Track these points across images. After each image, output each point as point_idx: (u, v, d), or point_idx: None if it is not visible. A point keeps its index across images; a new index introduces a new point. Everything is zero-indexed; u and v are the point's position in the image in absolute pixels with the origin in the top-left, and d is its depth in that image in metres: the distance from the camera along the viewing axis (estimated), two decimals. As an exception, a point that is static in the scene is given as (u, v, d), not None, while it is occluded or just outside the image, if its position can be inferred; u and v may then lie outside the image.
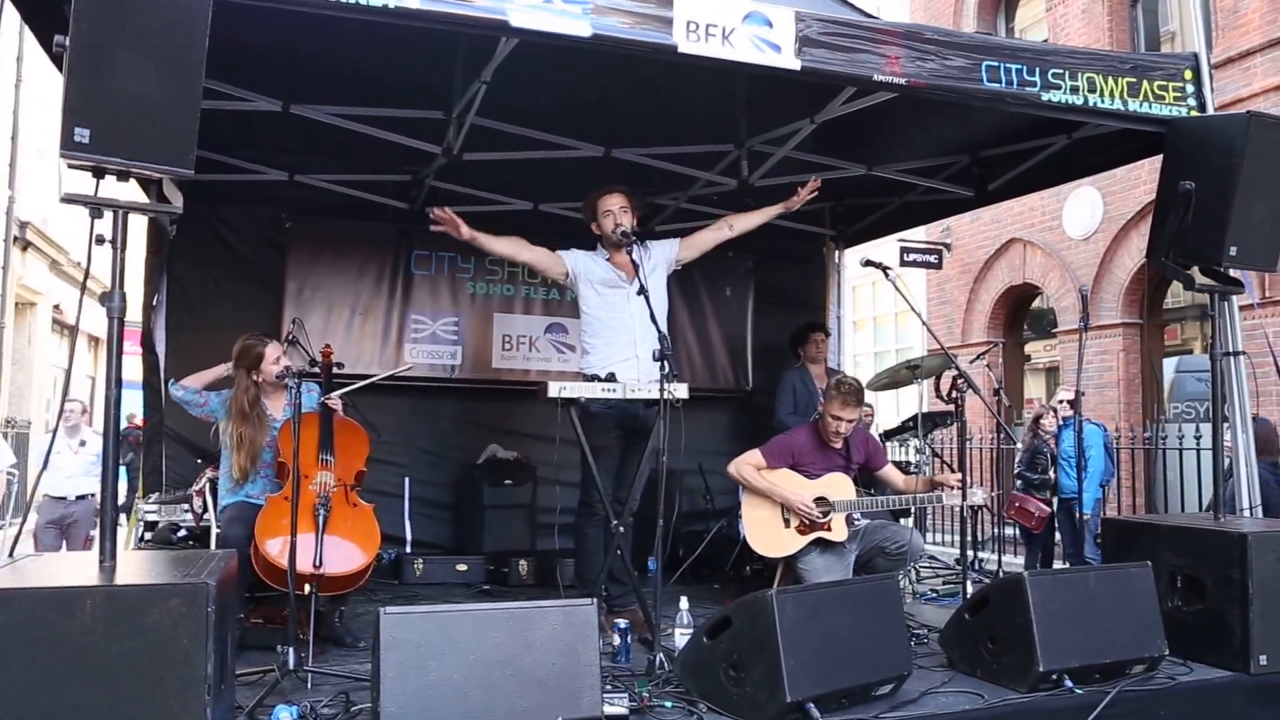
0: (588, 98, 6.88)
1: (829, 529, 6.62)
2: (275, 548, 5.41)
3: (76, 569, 3.99)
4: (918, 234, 15.38)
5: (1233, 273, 6.34)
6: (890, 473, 7.12)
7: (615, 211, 6.42)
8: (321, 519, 5.23)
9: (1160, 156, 6.33)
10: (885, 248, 12.22)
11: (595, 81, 6.43)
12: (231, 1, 4.24)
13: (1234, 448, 6.52)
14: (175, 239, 7.51)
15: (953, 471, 7.41)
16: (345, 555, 5.55)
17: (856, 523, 6.81)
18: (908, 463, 9.31)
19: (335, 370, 6.19)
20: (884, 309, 21.03)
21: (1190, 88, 6.35)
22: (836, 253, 10.68)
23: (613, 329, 6.42)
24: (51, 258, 21.08)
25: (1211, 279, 6.33)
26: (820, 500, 6.64)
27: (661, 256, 6.58)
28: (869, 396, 9.35)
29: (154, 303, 8.12)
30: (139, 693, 3.40)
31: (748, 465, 6.79)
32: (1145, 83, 6.20)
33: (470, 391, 9.41)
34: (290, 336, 6.72)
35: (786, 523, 6.66)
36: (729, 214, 6.97)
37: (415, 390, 9.09)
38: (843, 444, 6.89)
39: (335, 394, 6.02)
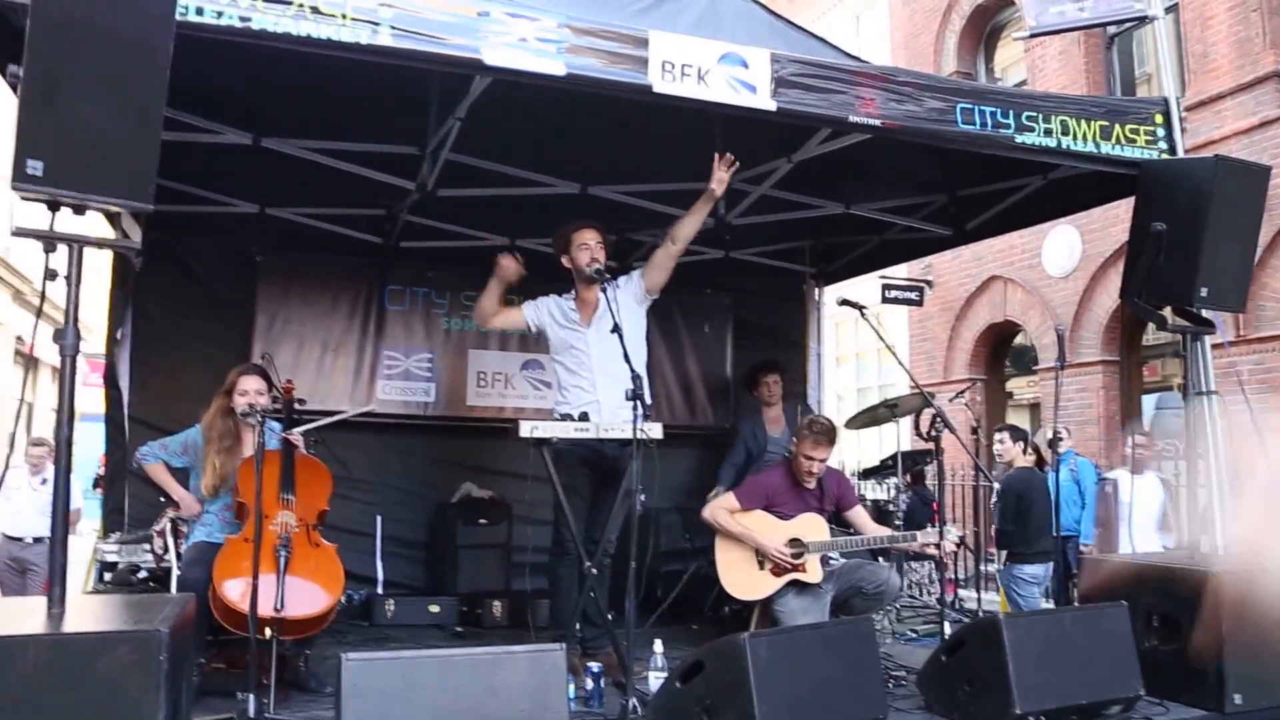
0: (563, 135, 6.85)
1: (804, 570, 6.57)
2: (233, 590, 5.31)
3: (23, 615, 3.91)
4: (899, 271, 15.43)
5: (1204, 313, 6.37)
6: (858, 515, 7.09)
7: (591, 246, 6.40)
8: (283, 560, 5.15)
9: (1133, 198, 6.37)
10: (867, 284, 12.23)
11: (571, 119, 6.40)
12: (200, 36, 4.21)
13: (1208, 486, 6.52)
14: (142, 271, 7.48)
15: (934, 512, 7.36)
16: (308, 597, 5.45)
17: (832, 563, 6.78)
18: (887, 502, 9.26)
19: (297, 406, 6.13)
20: (866, 345, 21.03)
21: (1161, 131, 6.48)
22: (816, 289, 10.66)
23: (583, 368, 6.38)
24: (15, 287, 20.93)
25: (1184, 319, 6.41)
26: (794, 541, 6.61)
27: (630, 294, 6.51)
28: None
29: (118, 336, 7.98)
30: (85, 746, 3.32)
31: (721, 510, 6.76)
32: (1117, 126, 6.32)
33: (444, 429, 9.33)
34: (266, 373, 6.64)
35: (761, 564, 6.63)
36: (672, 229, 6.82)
37: (388, 427, 9.03)
38: (816, 484, 6.86)
39: (296, 430, 5.95)
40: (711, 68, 5.25)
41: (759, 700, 4.32)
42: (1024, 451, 9.40)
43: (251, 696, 4.67)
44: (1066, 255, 15.16)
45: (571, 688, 4.39)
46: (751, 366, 9.08)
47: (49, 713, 3.30)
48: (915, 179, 8.09)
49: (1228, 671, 5.34)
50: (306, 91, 6.12)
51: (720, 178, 6.33)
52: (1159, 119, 6.46)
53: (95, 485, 10.71)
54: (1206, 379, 6.53)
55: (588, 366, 6.33)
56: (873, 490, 11.94)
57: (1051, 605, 9.36)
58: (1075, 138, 6.12)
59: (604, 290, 6.16)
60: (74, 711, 3.31)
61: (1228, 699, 5.33)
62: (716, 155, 6.31)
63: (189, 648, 4.26)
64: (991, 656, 5.04)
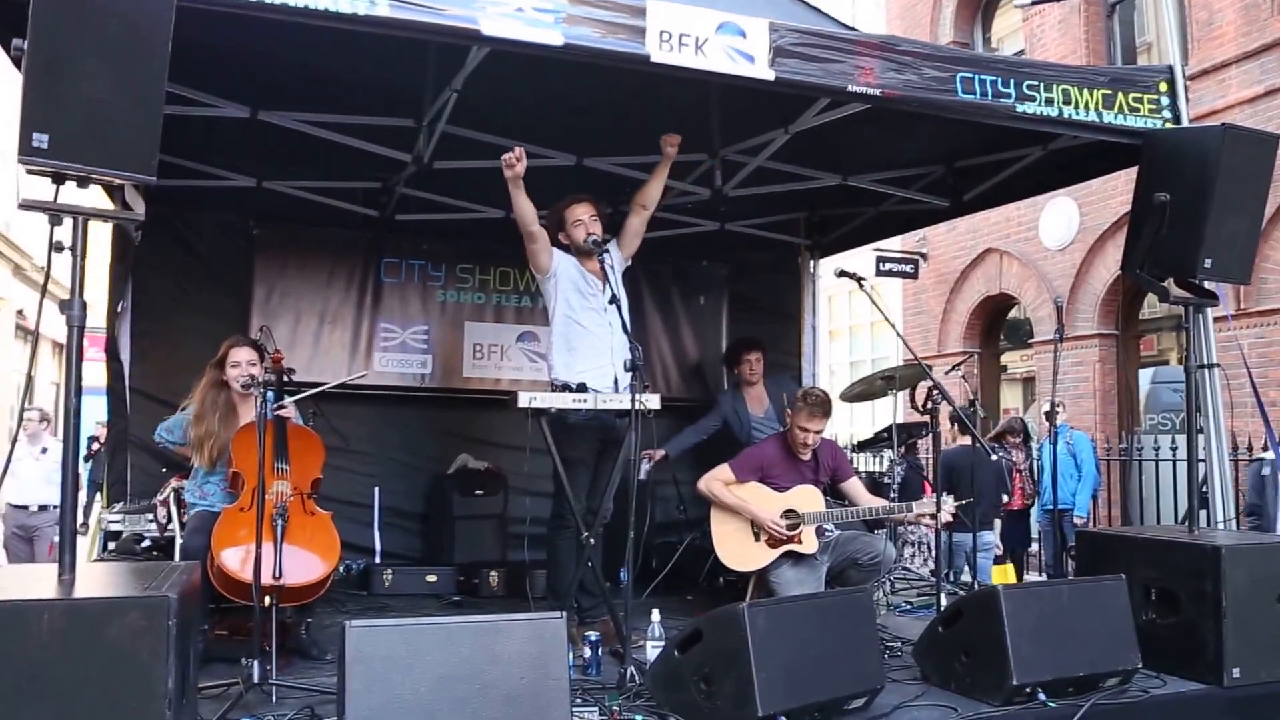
0: (560, 106, 6.86)
1: (799, 541, 6.63)
2: (232, 559, 5.38)
3: (34, 582, 3.95)
4: (894, 244, 15.45)
5: (1207, 285, 6.37)
6: (853, 487, 7.13)
7: (586, 221, 6.44)
8: (280, 529, 5.20)
9: (1136, 168, 6.36)
10: (861, 257, 12.24)
11: (567, 90, 6.41)
12: (198, 8, 4.23)
13: (1208, 460, 6.55)
14: (141, 245, 7.51)
15: (929, 485, 7.42)
16: (305, 565, 5.52)
17: (827, 534, 6.83)
18: (882, 474, 9.32)
19: (288, 377, 6.17)
20: (860, 318, 21.06)
21: (1165, 100, 6.41)
22: (812, 262, 10.67)
23: (589, 335, 6.41)
24: (15, 262, 20.91)
25: (1186, 291, 6.37)
26: (789, 513, 6.66)
27: (617, 262, 6.57)
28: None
29: (118, 309, 8.04)
30: (98, 709, 3.37)
31: (717, 481, 6.81)
32: (1120, 95, 6.25)
33: (441, 401, 9.38)
34: (259, 344, 6.68)
35: (756, 536, 6.68)
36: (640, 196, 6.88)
37: (385, 399, 9.07)
38: (811, 455, 6.91)
39: (288, 401, 6.00)
40: (709, 37, 5.24)
41: (757, 669, 4.36)
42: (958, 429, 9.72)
43: (255, 663, 4.73)
44: (1064, 227, 15.17)
45: (570, 656, 4.43)
46: (733, 344, 9.13)
47: (63, 677, 3.34)
48: (913, 150, 8.10)
49: (1227, 646, 5.37)
50: (304, 64, 6.13)
51: (672, 141, 6.57)
52: (1163, 87, 6.40)
53: (86, 458, 10.82)
54: (1208, 351, 6.55)
55: (603, 335, 6.37)
56: (866, 463, 12.00)
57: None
58: (1077, 107, 6.08)
59: (602, 262, 6.21)
60: (87, 675, 3.36)
61: (1226, 673, 5.36)
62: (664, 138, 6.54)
63: (195, 614, 4.30)
64: (989, 628, 5.06)
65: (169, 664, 3.44)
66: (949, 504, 6.70)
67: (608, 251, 6.25)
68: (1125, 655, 5.33)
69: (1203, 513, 6.51)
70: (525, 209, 6.31)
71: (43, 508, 10.61)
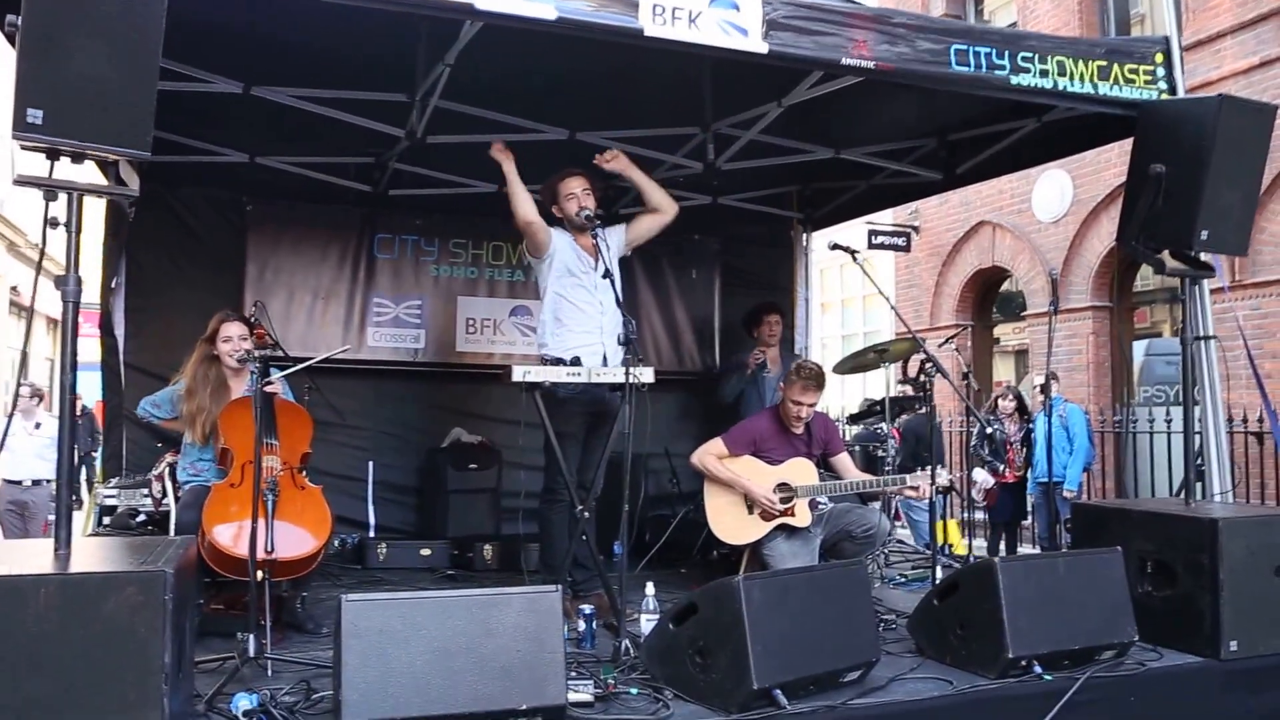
0: (552, 81, 6.84)
1: (792, 515, 6.64)
2: (224, 535, 5.39)
3: (30, 557, 3.95)
4: (885, 217, 15.48)
5: (1204, 257, 6.37)
6: (843, 461, 7.13)
7: (579, 194, 6.44)
8: (270, 503, 5.19)
9: (1131, 140, 6.35)
10: (853, 230, 12.27)
11: (560, 64, 6.39)
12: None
13: (1204, 433, 6.56)
14: (134, 221, 7.52)
15: (925, 457, 7.42)
16: (297, 539, 5.52)
17: (821, 507, 6.84)
18: (876, 446, 9.33)
19: (272, 351, 6.18)
20: (852, 292, 21.07)
21: (1161, 70, 6.39)
22: (804, 235, 10.68)
23: (579, 312, 6.41)
24: (9, 239, 20.87)
25: (1182, 263, 6.36)
26: (783, 486, 6.67)
27: (615, 243, 6.58)
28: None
29: (112, 285, 8.07)
30: (95, 683, 3.38)
31: (710, 455, 6.82)
32: (1116, 66, 6.23)
33: (434, 375, 9.41)
34: (253, 319, 6.68)
35: (749, 509, 6.68)
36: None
37: (378, 374, 9.10)
38: (804, 429, 6.91)
39: (275, 377, 6.01)
40: (703, 10, 5.22)
41: (753, 642, 4.37)
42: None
43: (251, 637, 4.73)
44: (1057, 200, 15.16)
45: (565, 630, 4.44)
46: (753, 307, 9.17)
47: (60, 651, 3.36)
48: (906, 123, 8.09)
49: (1224, 618, 5.37)
50: (297, 40, 6.10)
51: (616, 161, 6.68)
52: (1159, 58, 6.38)
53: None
54: (1205, 323, 6.53)
55: (595, 310, 6.38)
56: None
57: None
58: (1072, 78, 6.06)
59: (595, 236, 6.21)
60: (84, 650, 3.37)
61: (1223, 645, 5.37)
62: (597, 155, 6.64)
63: (191, 589, 4.31)
64: (985, 600, 5.07)
65: (165, 638, 3.45)
66: (943, 475, 6.72)
67: (600, 226, 6.24)
68: (1121, 628, 5.33)
69: (1198, 485, 6.52)
70: (523, 204, 6.38)
71: (36, 482, 10.66)
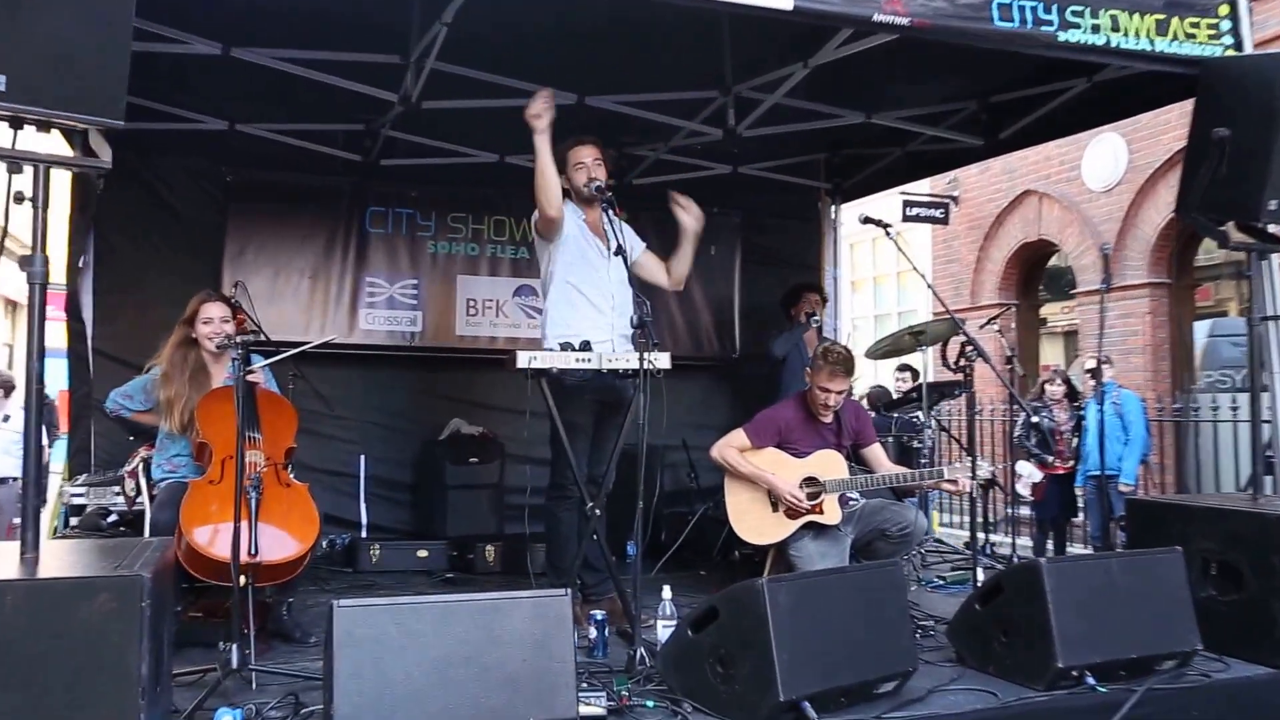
0: (559, 41, 6.81)
1: (820, 511, 6.63)
2: (203, 537, 5.37)
3: (-6, 561, 3.97)
4: (922, 187, 15.38)
5: (1272, 228, 6.30)
6: (874, 453, 7.11)
7: (589, 164, 6.41)
8: (254, 502, 5.19)
9: (1192, 101, 6.30)
10: (886, 202, 12.21)
11: (567, 22, 6.38)
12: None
13: (1274, 421, 6.50)
14: (103, 195, 7.51)
15: (962, 449, 7.42)
16: (281, 541, 5.50)
17: (852, 503, 6.83)
18: (911, 438, 9.34)
19: (254, 337, 6.17)
20: (885, 268, 21.00)
21: (1226, 24, 6.30)
22: (832, 207, 10.66)
23: (587, 292, 6.40)
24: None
25: (1248, 235, 6.29)
26: (810, 480, 6.66)
27: (632, 240, 6.60)
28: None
29: (79, 264, 8.06)
30: (67, 696, 3.38)
31: (731, 449, 6.80)
32: (1175, 20, 6.15)
33: (431, 361, 9.43)
34: (233, 301, 6.68)
35: (774, 506, 6.68)
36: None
37: (371, 360, 9.12)
38: (833, 418, 6.90)
39: (256, 365, 6.01)
40: (722, -38, 5.21)
41: (778, 650, 4.35)
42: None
43: (234, 647, 4.73)
44: (1110, 167, 15.06)
45: (574, 637, 4.44)
46: (792, 286, 9.24)
47: (28, 664, 3.35)
48: (944, 84, 8.06)
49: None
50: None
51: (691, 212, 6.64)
52: (1224, 10, 6.29)
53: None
54: (1274, 301, 6.47)
55: (605, 290, 6.38)
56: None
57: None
58: (1126, 34, 5.98)
59: (605, 210, 6.18)
60: (54, 660, 3.37)
61: (1296, 654, 5.32)
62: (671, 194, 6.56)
63: (168, 595, 4.32)
64: (1031, 605, 5.02)
65: (142, 649, 3.45)
66: (984, 468, 6.70)
67: (610, 202, 6.20)
68: (1183, 635, 5.27)
69: (1268, 478, 6.47)
70: (554, 190, 6.21)
71: (2, 481, 10.60)
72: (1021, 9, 5.78)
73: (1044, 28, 5.83)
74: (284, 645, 5.70)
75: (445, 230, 9.39)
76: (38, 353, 4.04)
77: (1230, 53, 6.27)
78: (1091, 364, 10.37)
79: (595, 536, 5.92)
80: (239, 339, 5.45)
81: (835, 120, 8.46)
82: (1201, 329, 14.48)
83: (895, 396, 11.32)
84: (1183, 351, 14.52)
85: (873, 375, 16.05)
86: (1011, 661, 5.14)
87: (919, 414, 9.12)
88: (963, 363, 6.79)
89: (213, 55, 6.90)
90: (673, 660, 4.98)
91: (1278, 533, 5.41)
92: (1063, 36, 5.88)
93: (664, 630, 5.42)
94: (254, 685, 4.75)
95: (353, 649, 3.87)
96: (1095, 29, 5.92)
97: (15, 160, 3.92)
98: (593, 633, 5.50)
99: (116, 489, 7.08)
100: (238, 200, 8.81)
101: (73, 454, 8.11)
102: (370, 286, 9.18)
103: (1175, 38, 6.14)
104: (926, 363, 8.86)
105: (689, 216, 6.60)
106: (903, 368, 12.94)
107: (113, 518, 7.05)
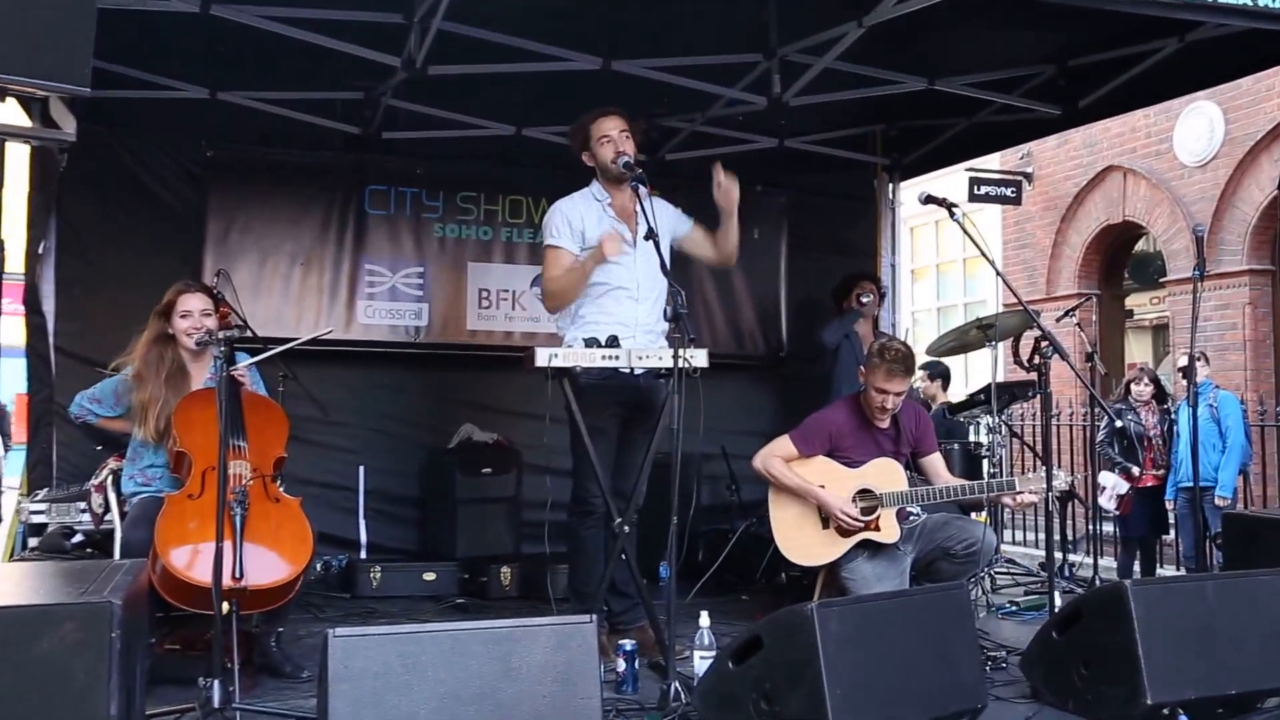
0: (582, -2, 6.83)
1: (876, 528, 6.59)
2: (181, 559, 5.34)
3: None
4: (991, 162, 15.34)
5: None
6: (937, 463, 7.09)
7: (615, 137, 6.38)
8: (239, 519, 5.18)
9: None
10: (951, 179, 12.18)
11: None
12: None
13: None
14: (66, 171, 7.51)
15: (1037, 458, 7.38)
16: (270, 563, 5.49)
17: (912, 518, 6.79)
18: (978, 444, 9.29)
19: (239, 333, 6.15)
20: (950, 254, 20.96)
21: (1338, -24, 6.26)
22: (890, 186, 10.64)
23: (614, 283, 6.38)
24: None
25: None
26: (864, 494, 6.62)
27: (666, 220, 6.53)
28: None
29: (39, 251, 7.99)
30: (26, 739, 3.38)
31: (775, 458, 6.76)
32: (1282, -32, 6.11)
33: (439, 359, 9.44)
34: (216, 292, 6.68)
35: (825, 523, 6.64)
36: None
37: (371, 358, 9.13)
38: (890, 422, 6.86)
39: (243, 365, 5.99)
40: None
41: (830, 684, 4.32)
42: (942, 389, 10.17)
43: (216, 683, 4.72)
44: (1205, 139, 14.99)
45: (601, 670, 4.43)
46: (845, 277, 9.23)
47: (-17, 699, 3.35)
48: (1016, 46, 8.04)
49: None
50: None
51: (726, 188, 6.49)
52: (1336, -39, 6.26)
53: None
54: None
55: (632, 279, 6.37)
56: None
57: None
58: (1224, -14, 5.99)
59: (635, 188, 6.13)
60: (11, 699, 3.36)
61: None
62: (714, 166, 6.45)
63: (141, 624, 4.32)
64: (1115, 633, 4.98)
65: (111, 685, 3.44)
66: (1061, 479, 6.66)
67: (640, 179, 6.17)
68: (1289, 669, 5.25)
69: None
70: (572, 297, 6.44)
71: None
72: (1104, -41, 5.75)
73: (1130, -20, 5.80)
74: (273, 681, 5.70)
75: (454, 212, 9.39)
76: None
77: (1344, 9, 6.20)
78: (1184, 362, 10.29)
79: (624, 557, 5.91)
80: (222, 335, 5.45)
81: (894, 87, 8.44)
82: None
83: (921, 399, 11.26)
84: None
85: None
86: (1094, 697, 5.09)
87: (987, 418, 9.08)
88: (1037, 360, 6.74)
89: (191, 13, 6.85)
90: (712, 696, 4.95)
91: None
92: (1151, -10, 5.84)
93: (701, 662, 5.42)
94: (238, 726, 4.76)
95: (350, 684, 3.86)
96: (1189, -19, 5.89)
97: (-33, 133, 3.93)
98: (621, 665, 5.50)
99: (82, 505, 7.07)
100: (220, 177, 8.81)
101: (32, 466, 8.08)
102: (370, 275, 9.18)
103: (1282, -10, 6.08)
104: (996, 360, 8.82)
105: (720, 195, 6.52)
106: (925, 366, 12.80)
107: (78, 538, 7.06)
